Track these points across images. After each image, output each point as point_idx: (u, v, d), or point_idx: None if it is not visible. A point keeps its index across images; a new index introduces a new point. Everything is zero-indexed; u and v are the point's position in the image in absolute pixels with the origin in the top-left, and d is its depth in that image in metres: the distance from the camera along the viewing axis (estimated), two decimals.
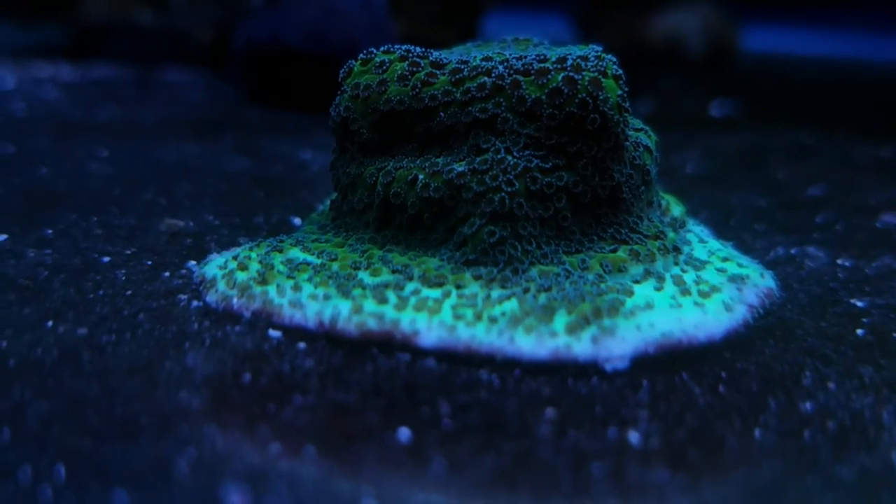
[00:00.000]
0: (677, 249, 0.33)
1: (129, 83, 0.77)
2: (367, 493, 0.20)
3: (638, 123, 0.36)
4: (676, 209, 0.38)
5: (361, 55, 0.33)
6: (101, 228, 0.38)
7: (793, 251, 0.41)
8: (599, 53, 0.33)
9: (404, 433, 0.23)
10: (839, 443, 0.24)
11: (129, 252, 0.36)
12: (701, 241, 0.36)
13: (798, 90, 0.98)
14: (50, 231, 0.38)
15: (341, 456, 0.22)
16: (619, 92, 0.31)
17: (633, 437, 0.24)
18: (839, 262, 0.40)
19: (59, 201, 0.42)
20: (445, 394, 0.25)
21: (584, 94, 0.30)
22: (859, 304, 0.35)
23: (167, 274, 0.33)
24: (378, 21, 0.66)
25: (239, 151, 0.55)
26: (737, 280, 0.32)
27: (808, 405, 0.26)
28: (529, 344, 0.28)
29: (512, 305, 0.29)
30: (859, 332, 0.33)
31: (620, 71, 0.32)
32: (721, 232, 0.43)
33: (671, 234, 0.35)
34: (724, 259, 0.34)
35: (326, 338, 0.28)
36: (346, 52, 0.65)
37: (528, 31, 1.07)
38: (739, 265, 0.34)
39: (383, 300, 0.29)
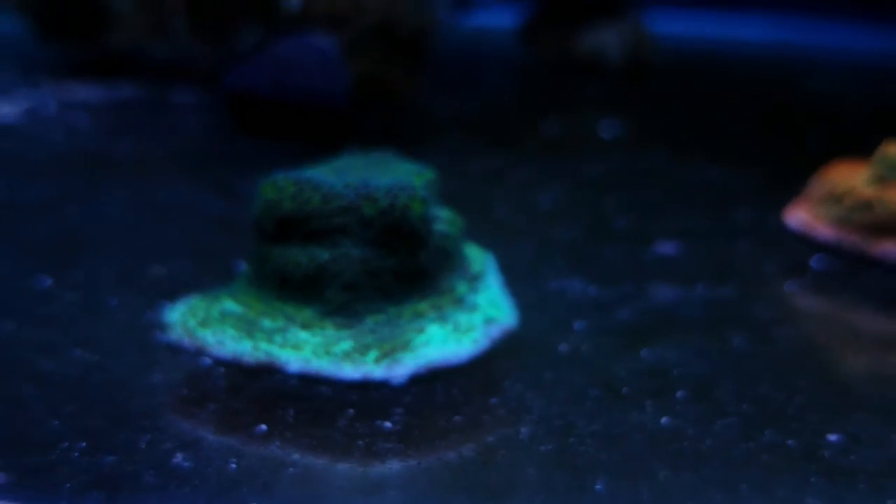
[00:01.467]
0: (461, 301, 0.51)
1: (144, 104, 0.94)
2: (234, 460, 0.38)
3: (446, 215, 0.53)
4: (477, 266, 0.54)
5: (268, 179, 0.50)
6: (111, 273, 0.56)
7: (558, 283, 0.58)
8: (413, 184, 0.49)
9: (262, 427, 0.41)
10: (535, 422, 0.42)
11: (124, 295, 0.53)
12: (485, 289, 0.53)
13: (700, 100, 1.12)
14: (77, 274, 0.56)
15: (223, 441, 0.39)
16: (422, 210, 0.48)
17: (387, 425, 0.42)
18: (590, 291, 0.57)
19: (81, 246, 0.60)
20: (295, 401, 0.43)
21: (398, 213, 0.47)
22: (576, 325, 0.53)
23: (148, 314, 0.50)
24: (330, 71, 0.82)
25: (219, 190, 0.72)
26: (489, 322, 0.49)
27: (511, 400, 0.44)
28: (350, 371, 0.45)
29: (347, 345, 0.47)
30: (561, 347, 0.50)
31: (424, 194, 0.49)
32: (524, 268, 0.60)
33: (460, 290, 0.51)
34: (491, 304, 0.51)
35: (236, 365, 0.46)
36: (303, 97, 0.82)
37: (475, 48, 1.21)
38: (497, 309, 0.50)
39: (271, 341, 0.47)
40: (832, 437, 0.43)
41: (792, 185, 0.71)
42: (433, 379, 0.45)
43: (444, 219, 0.51)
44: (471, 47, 1.22)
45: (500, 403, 0.44)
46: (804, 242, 0.65)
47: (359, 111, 0.87)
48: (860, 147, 0.90)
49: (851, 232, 0.63)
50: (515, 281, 0.56)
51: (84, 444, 0.38)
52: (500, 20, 1.23)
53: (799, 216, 0.67)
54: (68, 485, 0.36)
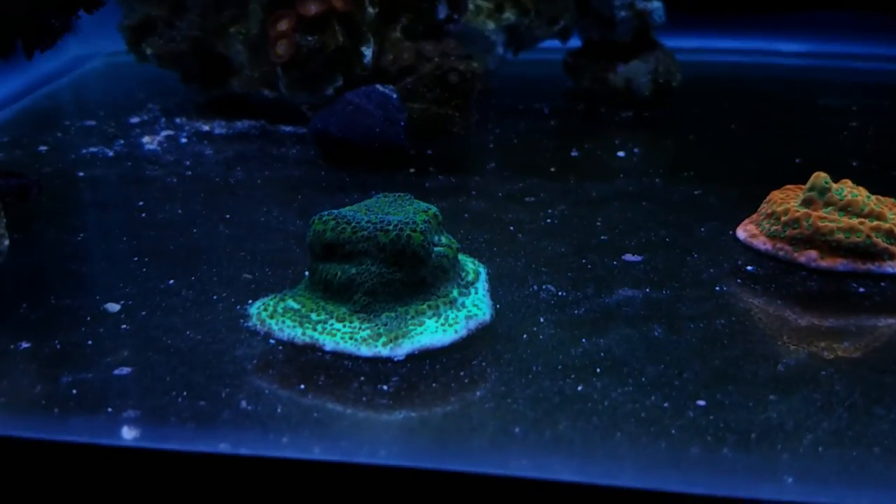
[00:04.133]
0: (452, 302, 0.66)
1: (255, 138, 1.12)
2: (280, 406, 0.55)
3: (444, 240, 0.68)
4: (470, 276, 0.69)
5: (316, 216, 0.66)
6: (216, 277, 0.74)
7: (536, 287, 0.72)
8: (415, 219, 0.65)
9: (301, 386, 0.58)
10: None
11: (224, 293, 0.71)
12: (473, 293, 0.67)
13: (712, 122, 1.22)
14: (193, 277, 0.74)
15: (275, 394, 0.57)
16: (421, 239, 0.63)
17: (385, 388, 0.58)
18: (560, 293, 0.71)
19: (198, 256, 0.79)
20: (326, 370, 0.60)
21: (404, 241, 0.63)
22: (541, 319, 0.67)
23: (238, 307, 0.68)
24: (390, 115, 0.98)
25: (301, 212, 0.89)
26: (470, 317, 0.64)
27: (474, 373, 0.59)
28: (366, 350, 0.61)
29: (365, 333, 0.63)
30: (523, 336, 0.65)
31: (424, 227, 0.64)
32: (512, 276, 0.74)
33: (454, 293, 0.66)
34: (474, 304, 0.66)
35: (291, 345, 0.63)
36: (367, 138, 0.98)
37: (525, 78, 1.33)
38: (478, 308, 0.65)
39: (315, 329, 0.64)
40: (700, 402, 0.56)
41: (756, 203, 0.82)
42: (423, 357, 0.60)
43: (443, 243, 0.66)
44: (521, 78, 1.35)
45: (465, 375, 0.59)
46: (746, 252, 0.77)
47: (416, 144, 1.03)
48: (836, 168, 1.00)
49: (783, 243, 0.75)
50: (502, 286, 0.71)
51: (185, 393, 0.56)
52: (551, 54, 1.35)
53: (746, 230, 0.78)
54: (173, 418, 0.54)
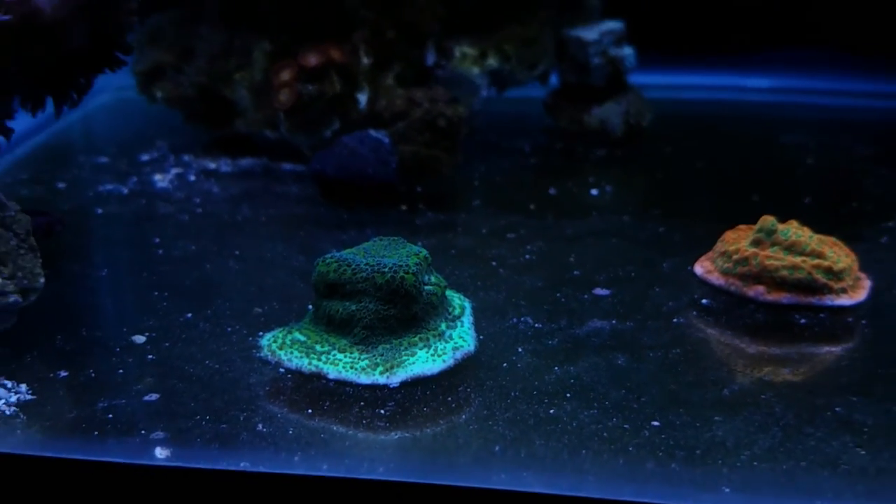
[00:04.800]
0: (441, 335, 0.73)
1: (259, 176, 1.19)
2: (291, 428, 0.63)
3: (434, 279, 0.75)
4: (457, 310, 0.77)
5: (320, 259, 0.74)
6: (229, 311, 0.81)
7: (515, 320, 0.80)
8: (408, 262, 0.72)
9: (309, 411, 0.65)
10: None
11: (237, 326, 0.79)
12: (459, 326, 0.75)
13: (679, 160, 1.30)
14: (209, 311, 0.82)
15: (286, 417, 0.64)
16: (413, 280, 0.71)
17: (382, 412, 0.65)
18: (536, 325, 0.79)
19: (212, 291, 0.86)
20: (330, 396, 0.67)
21: (398, 282, 0.70)
22: (520, 349, 0.75)
23: (251, 339, 0.76)
24: (382, 158, 1.06)
25: (303, 248, 0.96)
26: (456, 348, 0.71)
27: (460, 398, 0.66)
28: (365, 378, 0.68)
29: (364, 363, 0.70)
30: (503, 365, 0.72)
31: (415, 269, 0.71)
32: (494, 309, 0.81)
33: (442, 327, 0.74)
34: (460, 337, 0.74)
35: (298, 373, 0.70)
36: (361, 178, 1.06)
37: (509, 117, 1.41)
38: (463, 340, 0.73)
39: (320, 359, 0.71)
40: (655, 423, 0.64)
41: (715, 240, 0.90)
42: (415, 384, 0.68)
43: (432, 282, 0.74)
44: (505, 116, 1.43)
45: (452, 400, 0.67)
46: (702, 287, 0.85)
47: (408, 183, 1.11)
48: (790, 205, 1.08)
49: (735, 279, 0.83)
50: (485, 318, 0.79)
51: (209, 417, 0.63)
52: (533, 91, 1.42)
53: (702, 266, 0.86)
54: (199, 440, 0.61)
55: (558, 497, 0.56)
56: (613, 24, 1.33)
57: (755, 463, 0.59)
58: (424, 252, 0.74)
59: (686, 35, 1.68)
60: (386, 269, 0.70)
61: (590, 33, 1.31)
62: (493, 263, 0.92)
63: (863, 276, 0.84)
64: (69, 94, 0.86)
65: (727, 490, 0.56)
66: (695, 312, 0.81)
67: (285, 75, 1.12)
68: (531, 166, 1.26)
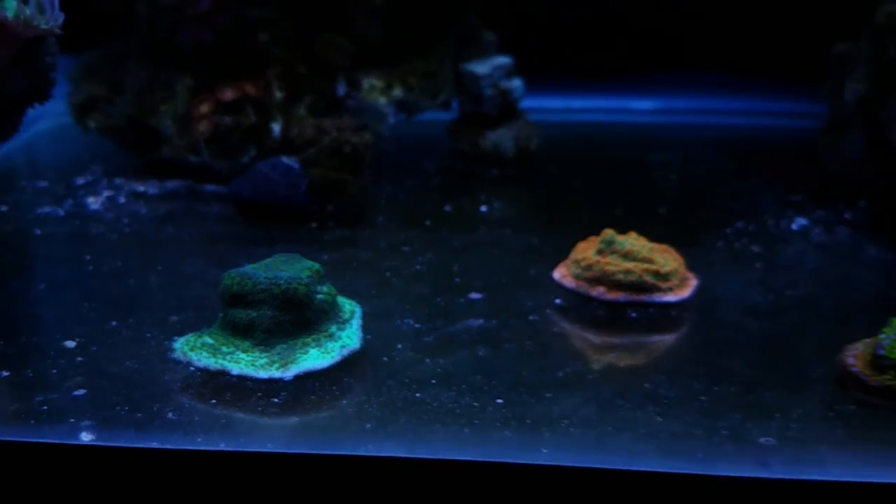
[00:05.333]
0: (331, 335, 0.85)
1: (183, 197, 1.30)
2: (196, 416, 0.74)
3: (326, 289, 0.88)
4: (347, 314, 0.89)
5: (226, 274, 0.85)
6: (149, 319, 0.92)
7: (399, 322, 0.92)
8: (301, 275, 0.84)
9: (213, 401, 0.77)
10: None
11: (156, 332, 0.90)
12: (348, 328, 0.86)
13: (562, 177, 1.44)
14: (131, 320, 0.92)
15: (192, 407, 0.75)
16: (305, 291, 0.82)
17: (275, 400, 0.77)
18: (416, 325, 0.92)
19: (135, 302, 0.97)
20: (232, 389, 0.78)
21: (291, 292, 0.82)
22: (399, 346, 0.87)
23: (166, 343, 0.87)
24: (293, 181, 1.18)
25: (220, 263, 1.06)
26: (343, 347, 0.83)
27: (343, 389, 0.79)
28: (263, 374, 0.80)
29: (263, 360, 0.82)
30: (383, 359, 0.85)
31: (307, 281, 0.83)
32: (382, 313, 0.94)
33: (333, 329, 0.86)
34: (348, 337, 0.86)
35: (206, 371, 0.81)
36: (273, 201, 1.17)
37: (420, 138, 1.53)
38: (350, 339, 0.85)
39: (224, 358, 0.82)
40: (499, 401, 0.77)
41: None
42: (307, 378, 0.79)
43: (324, 291, 0.86)
44: (415, 139, 1.55)
45: (336, 389, 0.79)
46: (559, 290, 0.99)
47: (319, 203, 1.23)
48: (646, 216, 1.22)
49: (583, 282, 0.96)
50: (374, 321, 0.91)
51: (127, 408, 0.74)
52: (446, 115, 1.54)
53: (559, 272, 1.00)
54: (118, 426, 0.72)
55: (413, 459, 0.69)
56: (503, 60, 1.47)
57: (571, 429, 0.72)
58: (317, 266, 0.86)
59: (581, 61, 1.83)
60: (281, 282, 0.82)
61: (482, 68, 1.45)
62: (388, 274, 1.04)
63: (691, 276, 0.98)
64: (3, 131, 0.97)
65: (545, 451, 0.70)
66: (549, 311, 0.95)
67: (204, 108, 1.23)
68: (433, 186, 1.39)
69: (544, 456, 0.69)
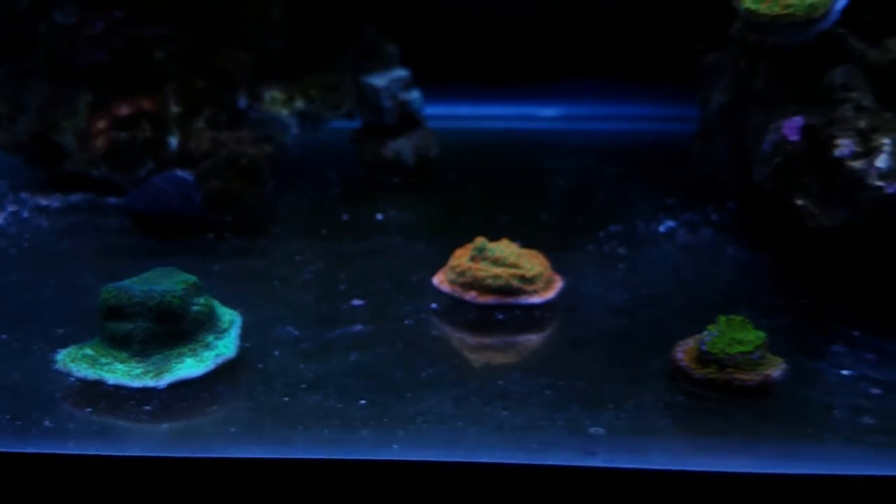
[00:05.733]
0: (208, 345, 0.89)
1: (84, 210, 1.32)
2: (71, 424, 0.78)
3: (203, 300, 0.92)
4: (226, 324, 0.93)
5: (104, 288, 0.89)
6: (37, 332, 0.95)
7: (279, 330, 0.97)
8: (175, 288, 0.88)
9: (88, 410, 0.80)
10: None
11: (42, 344, 0.93)
12: (226, 337, 0.91)
13: (460, 185, 1.49)
14: (20, 333, 0.95)
15: (70, 413, 0.79)
16: (179, 303, 0.86)
17: (147, 407, 0.81)
18: (295, 333, 0.96)
19: (26, 316, 1.00)
20: (108, 397, 0.82)
21: (165, 305, 0.86)
22: (276, 353, 0.92)
23: (51, 355, 0.89)
24: (187, 193, 1.21)
25: (112, 276, 1.09)
26: (218, 356, 0.87)
27: (215, 396, 0.83)
28: (138, 383, 0.84)
29: (139, 371, 0.85)
30: (258, 366, 0.89)
31: (181, 294, 0.87)
32: (264, 322, 0.98)
33: (210, 339, 0.90)
34: (224, 346, 0.90)
35: (84, 380, 0.85)
36: (167, 213, 1.21)
37: (327, 146, 1.57)
38: (226, 348, 0.89)
39: (102, 369, 0.86)
40: (362, 402, 0.82)
41: None
42: (180, 386, 0.84)
43: (200, 303, 0.90)
44: (322, 148, 1.59)
45: (208, 396, 0.83)
46: (437, 294, 1.04)
47: (215, 215, 1.26)
48: (530, 221, 1.28)
49: (457, 287, 1.02)
50: (255, 330, 0.95)
51: (8, 416, 0.78)
52: (352, 124, 1.58)
53: (438, 278, 1.06)
54: (1, 434, 0.76)
55: (277, 460, 0.73)
56: (401, 72, 1.52)
57: (424, 426, 0.78)
58: (193, 279, 0.90)
59: (490, 68, 1.89)
60: (156, 295, 0.86)
61: (380, 80, 1.50)
62: (276, 283, 1.08)
63: (557, 278, 1.05)
64: None
65: (395, 446, 0.75)
66: (424, 315, 1.00)
67: (101, 124, 1.26)
68: (334, 194, 1.44)
69: (394, 452, 0.74)
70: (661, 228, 1.23)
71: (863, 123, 0.85)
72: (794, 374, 0.84)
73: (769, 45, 0.95)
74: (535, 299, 1.01)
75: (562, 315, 1.01)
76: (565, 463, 0.72)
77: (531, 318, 1.00)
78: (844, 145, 0.84)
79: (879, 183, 0.84)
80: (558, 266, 1.07)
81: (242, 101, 1.42)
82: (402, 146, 1.52)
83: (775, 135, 0.91)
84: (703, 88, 1.30)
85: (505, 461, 0.73)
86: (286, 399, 0.83)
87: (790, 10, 0.84)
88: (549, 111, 1.95)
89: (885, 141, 0.84)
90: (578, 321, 0.99)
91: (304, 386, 0.85)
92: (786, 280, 1.05)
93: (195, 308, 0.89)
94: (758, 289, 1.04)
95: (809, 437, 0.76)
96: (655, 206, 1.32)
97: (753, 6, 0.85)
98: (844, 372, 0.85)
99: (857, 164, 0.84)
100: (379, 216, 1.32)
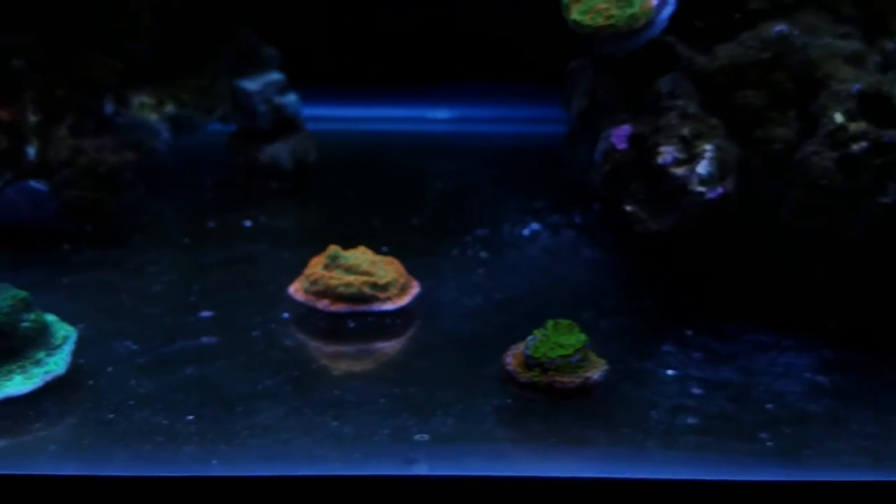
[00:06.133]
0: (39, 362, 0.88)
1: None
2: None
3: (33, 317, 0.90)
4: (60, 340, 0.92)
5: None
6: None
7: (117, 345, 0.96)
8: (2, 305, 0.86)
9: None
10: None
11: None
12: (59, 353, 0.89)
13: (340, 189, 1.50)
14: None
15: None
16: (6, 319, 0.85)
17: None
18: (133, 347, 0.96)
19: None
20: None
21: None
22: (109, 369, 0.91)
23: None
24: (40, 204, 1.19)
25: None
26: (48, 373, 0.86)
27: (42, 410, 0.83)
28: None
29: None
30: (88, 382, 0.89)
31: (8, 310, 0.86)
32: (103, 337, 0.97)
33: (41, 355, 0.89)
34: (55, 362, 0.89)
35: None
36: (16, 225, 1.18)
37: (205, 151, 1.56)
38: (56, 365, 0.88)
39: None
40: (189, 417, 0.82)
41: None
42: (6, 404, 0.82)
43: (31, 319, 0.88)
44: (199, 152, 1.57)
45: (33, 414, 0.81)
46: (291, 304, 1.04)
47: (73, 225, 1.24)
48: (400, 226, 1.29)
49: (311, 295, 1.02)
50: (92, 345, 0.93)
51: None
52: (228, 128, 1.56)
53: (294, 287, 1.06)
54: None
55: (86, 477, 0.73)
56: (276, 76, 1.52)
57: (249, 440, 0.78)
58: (23, 294, 0.88)
59: (383, 70, 1.90)
60: None
61: (253, 84, 1.49)
62: (124, 295, 1.07)
63: (414, 284, 1.06)
64: None
65: (215, 462, 0.75)
66: (274, 325, 1.00)
67: None
68: (204, 201, 1.42)
69: (213, 468, 0.75)
70: (526, 232, 1.26)
71: (686, 131, 0.89)
72: (622, 375, 0.87)
73: (603, 54, 0.98)
74: (388, 306, 1.02)
75: (413, 322, 1.02)
76: (383, 473, 0.74)
77: (382, 325, 1.01)
78: (667, 152, 0.87)
79: (700, 188, 0.87)
80: (420, 271, 1.08)
81: (109, 108, 1.39)
82: (279, 151, 1.51)
83: (605, 143, 0.94)
84: (565, 93, 1.33)
85: (322, 473, 0.74)
86: (111, 416, 0.82)
87: (612, 21, 0.87)
88: (442, 113, 1.97)
89: (707, 147, 0.88)
90: (429, 327, 1.01)
91: (132, 402, 0.84)
92: (633, 281, 1.09)
93: (24, 325, 0.87)
94: (604, 290, 1.07)
95: (625, 438, 0.79)
96: (525, 210, 1.34)
97: (579, 17, 0.88)
98: (670, 372, 0.88)
99: (679, 171, 0.88)
100: (247, 223, 1.31)
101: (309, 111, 1.60)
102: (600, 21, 0.86)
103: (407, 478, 0.73)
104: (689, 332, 0.95)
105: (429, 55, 1.93)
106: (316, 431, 0.80)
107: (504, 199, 1.40)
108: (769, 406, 0.83)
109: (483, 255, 1.19)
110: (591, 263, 1.16)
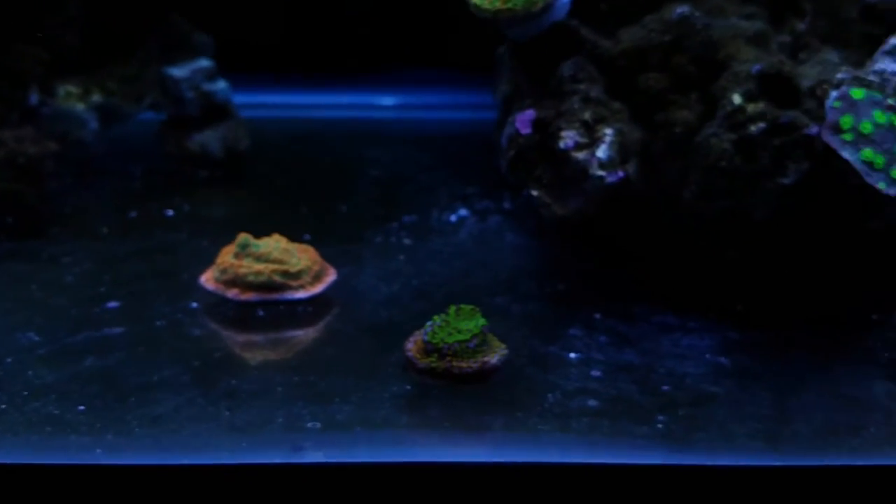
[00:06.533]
0: None
1: None
2: None
3: None
4: None
5: None
6: None
7: (20, 337, 0.95)
8: None
9: None
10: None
11: None
12: None
13: (274, 177, 1.49)
14: None
15: None
16: None
17: None
18: (36, 339, 0.95)
19: None
20: None
21: None
22: (8, 360, 0.91)
23: None
24: None
25: None
26: None
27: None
28: None
29: None
30: (34, 374, 0.88)
31: None
32: (6, 329, 0.96)
33: None
34: None
35: None
36: None
37: (136, 140, 1.55)
38: None
39: None
40: (81, 408, 0.81)
41: None
42: None
43: None
44: (128, 142, 1.56)
45: None
46: (201, 293, 1.03)
47: None
48: (326, 213, 1.28)
49: (221, 285, 1.02)
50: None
51: None
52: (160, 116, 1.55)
53: (205, 276, 1.05)
54: None
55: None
56: (205, 63, 1.51)
57: (137, 429, 0.78)
58: None
59: (329, 56, 1.89)
60: None
61: (181, 71, 1.48)
62: (34, 287, 1.06)
63: (330, 272, 1.06)
64: None
65: (99, 451, 0.75)
66: (181, 315, 1.00)
67: None
68: (130, 190, 1.41)
69: (97, 456, 0.74)
70: (453, 218, 1.26)
71: (587, 115, 0.89)
72: (526, 360, 0.88)
73: (509, 39, 0.98)
74: (300, 294, 1.02)
75: (326, 310, 1.02)
76: (269, 461, 0.74)
77: (293, 314, 1.01)
78: (568, 137, 0.88)
79: (600, 172, 0.88)
80: (341, 259, 1.08)
81: (34, 98, 1.38)
82: (209, 138, 1.50)
83: (510, 128, 0.94)
84: (494, 79, 1.33)
85: (208, 462, 0.74)
86: (3, 406, 0.81)
87: (509, 5, 0.87)
88: (387, 100, 1.96)
89: (608, 131, 0.88)
90: (341, 315, 1.01)
91: (25, 393, 0.84)
92: (550, 266, 1.09)
93: None
94: (521, 275, 1.08)
95: (520, 422, 0.79)
96: (456, 196, 1.34)
97: (478, 1, 0.88)
98: (572, 355, 0.89)
99: (580, 155, 0.88)
100: (169, 212, 1.30)
101: (255, 98, 1.60)
102: (498, 4, 0.86)
103: (293, 465, 0.73)
104: (597, 316, 0.96)
105: (377, 40, 1.93)
106: (207, 421, 0.80)
107: (437, 186, 1.39)
108: (667, 388, 0.84)
109: (407, 241, 1.19)
110: (514, 249, 1.16)
